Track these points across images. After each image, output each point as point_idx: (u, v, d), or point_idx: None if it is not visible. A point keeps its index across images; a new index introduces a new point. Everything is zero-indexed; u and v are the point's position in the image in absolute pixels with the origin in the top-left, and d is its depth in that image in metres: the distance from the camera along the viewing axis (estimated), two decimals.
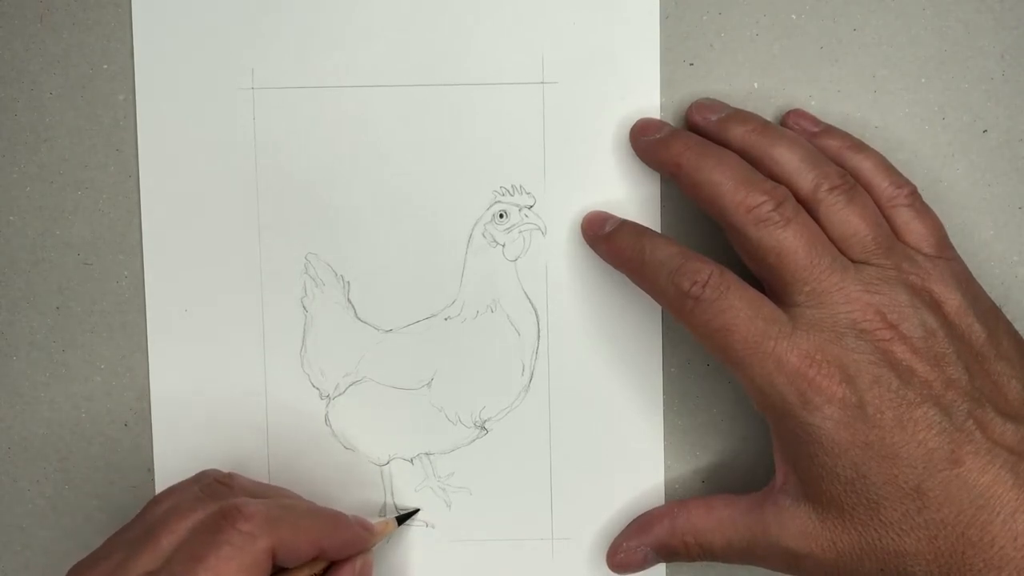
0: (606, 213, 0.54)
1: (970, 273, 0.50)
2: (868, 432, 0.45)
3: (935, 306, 0.47)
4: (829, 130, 0.53)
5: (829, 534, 0.46)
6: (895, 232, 0.50)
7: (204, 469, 0.52)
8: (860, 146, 0.52)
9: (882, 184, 0.51)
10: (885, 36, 0.54)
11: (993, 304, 0.50)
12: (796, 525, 0.47)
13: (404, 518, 0.55)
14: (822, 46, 0.54)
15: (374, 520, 0.53)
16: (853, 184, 0.49)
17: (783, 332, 0.46)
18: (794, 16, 0.54)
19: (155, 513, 0.48)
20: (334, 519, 0.50)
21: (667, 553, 0.52)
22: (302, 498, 0.52)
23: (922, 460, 0.44)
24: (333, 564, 0.50)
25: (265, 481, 0.55)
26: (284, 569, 0.48)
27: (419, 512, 0.55)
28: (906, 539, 0.45)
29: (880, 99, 0.54)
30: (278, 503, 0.48)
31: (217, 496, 0.48)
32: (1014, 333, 0.50)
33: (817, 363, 0.45)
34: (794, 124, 0.53)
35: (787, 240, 0.47)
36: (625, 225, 0.52)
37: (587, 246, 0.54)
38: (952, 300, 0.48)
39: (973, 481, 0.44)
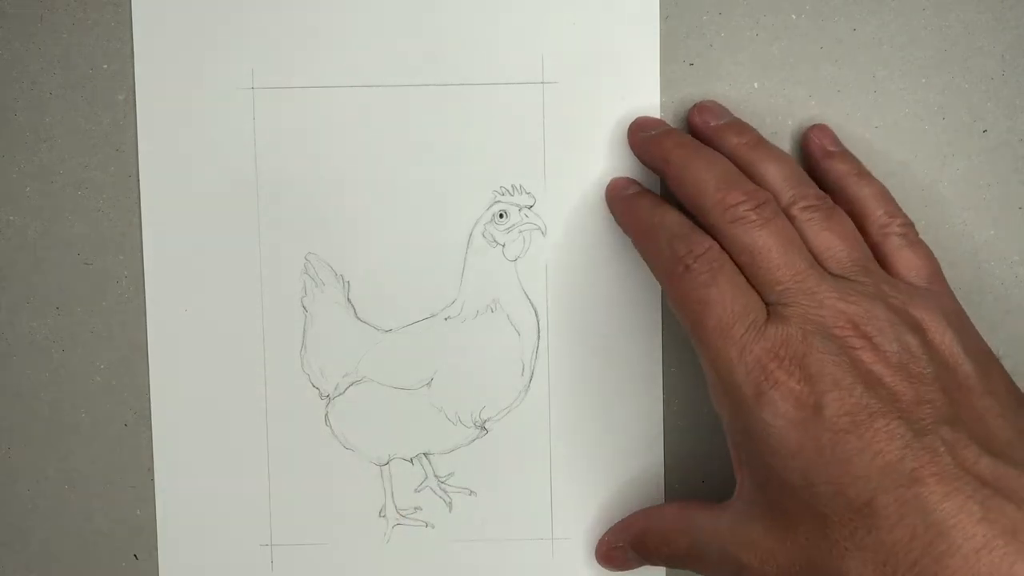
0: (632, 179, 0.54)
1: (963, 311, 0.49)
2: (821, 435, 0.42)
3: (918, 330, 0.45)
4: (843, 154, 0.53)
5: (771, 546, 0.44)
6: (884, 259, 0.49)
7: None
8: (866, 174, 0.52)
9: (877, 211, 0.50)
10: (885, 36, 0.54)
11: (986, 345, 0.48)
12: (743, 533, 0.46)
13: None
14: (822, 46, 0.54)
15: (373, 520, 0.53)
16: (832, 207, 0.49)
17: (755, 323, 0.45)
18: (794, 16, 0.54)
19: None
20: None
21: (643, 552, 0.51)
22: None
23: (877, 472, 0.41)
24: None
25: (264, 481, 0.55)
26: None
27: (419, 511, 0.55)
28: (851, 561, 0.41)
29: (880, 99, 0.54)
30: None
31: None
32: (1006, 374, 0.47)
33: (780, 357, 0.44)
34: (815, 139, 0.53)
35: (761, 239, 0.46)
36: (647, 192, 0.52)
37: (587, 246, 0.54)
38: (936, 328, 0.46)
39: (933, 505, 0.40)
